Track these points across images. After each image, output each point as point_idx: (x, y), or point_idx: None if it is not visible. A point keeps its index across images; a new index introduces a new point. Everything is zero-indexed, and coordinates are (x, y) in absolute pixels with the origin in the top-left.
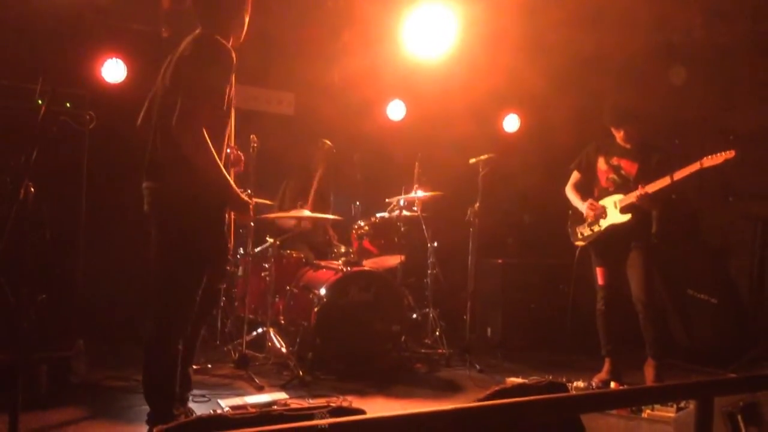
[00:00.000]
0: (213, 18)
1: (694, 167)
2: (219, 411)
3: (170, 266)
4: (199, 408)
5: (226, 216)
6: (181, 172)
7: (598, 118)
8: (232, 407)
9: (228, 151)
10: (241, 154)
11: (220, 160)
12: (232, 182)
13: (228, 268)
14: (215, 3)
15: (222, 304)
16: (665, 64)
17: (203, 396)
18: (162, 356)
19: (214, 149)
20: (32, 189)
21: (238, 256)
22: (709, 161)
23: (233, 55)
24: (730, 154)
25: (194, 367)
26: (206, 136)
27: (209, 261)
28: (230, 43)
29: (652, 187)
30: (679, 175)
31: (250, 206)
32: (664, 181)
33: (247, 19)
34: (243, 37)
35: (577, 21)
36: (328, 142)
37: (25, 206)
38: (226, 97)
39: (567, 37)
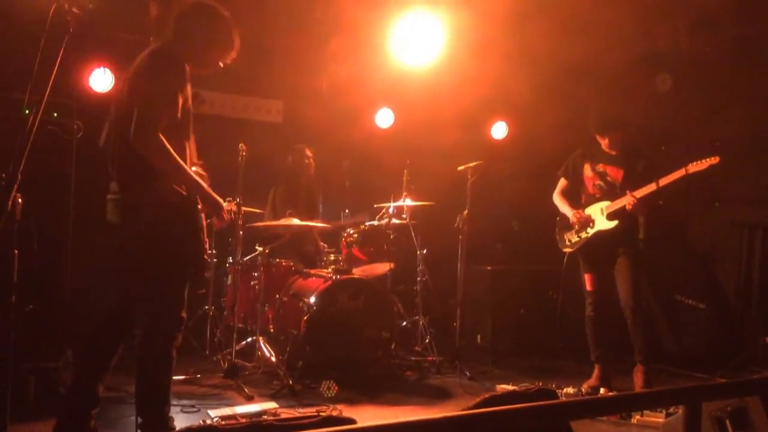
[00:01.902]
0: (187, 44)
1: (680, 173)
2: (208, 422)
3: (155, 274)
4: (188, 419)
5: (202, 217)
6: (148, 180)
7: (585, 125)
8: (222, 418)
9: (193, 169)
10: (205, 174)
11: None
12: (201, 182)
13: (206, 273)
14: (193, 35)
15: (211, 313)
16: (651, 73)
17: (192, 406)
18: (156, 364)
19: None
20: (20, 200)
21: (227, 264)
22: (694, 167)
23: (186, 66)
24: (714, 159)
25: (183, 377)
26: (165, 141)
27: (190, 264)
28: (211, 64)
29: (638, 193)
30: (664, 181)
31: (222, 206)
32: (650, 187)
33: (233, 47)
34: (232, 57)
35: (563, 30)
36: (306, 149)
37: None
38: (180, 104)
39: (554, 46)
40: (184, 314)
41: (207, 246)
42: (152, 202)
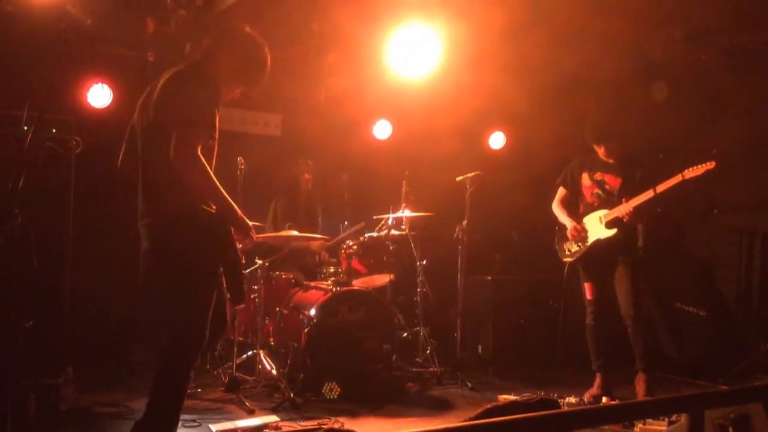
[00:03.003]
0: (220, 66)
1: (676, 179)
2: None
3: (181, 290)
4: None
5: (232, 233)
6: (178, 203)
7: (582, 134)
8: None
9: None
10: None
11: None
12: (234, 205)
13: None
14: (226, 58)
15: None
16: (647, 81)
17: (194, 421)
18: (175, 384)
19: None
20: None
21: None
22: (690, 173)
23: (219, 87)
24: (710, 165)
25: None
26: (204, 162)
27: (217, 280)
28: (234, 91)
29: (635, 201)
30: (661, 187)
31: (251, 229)
32: (647, 194)
33: (265, 72)
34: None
35: (559, 41)
36: (305, 163)
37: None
38: (216, 124)
39: (550, 57)
40: (206, 332)
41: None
42: (182, 226)
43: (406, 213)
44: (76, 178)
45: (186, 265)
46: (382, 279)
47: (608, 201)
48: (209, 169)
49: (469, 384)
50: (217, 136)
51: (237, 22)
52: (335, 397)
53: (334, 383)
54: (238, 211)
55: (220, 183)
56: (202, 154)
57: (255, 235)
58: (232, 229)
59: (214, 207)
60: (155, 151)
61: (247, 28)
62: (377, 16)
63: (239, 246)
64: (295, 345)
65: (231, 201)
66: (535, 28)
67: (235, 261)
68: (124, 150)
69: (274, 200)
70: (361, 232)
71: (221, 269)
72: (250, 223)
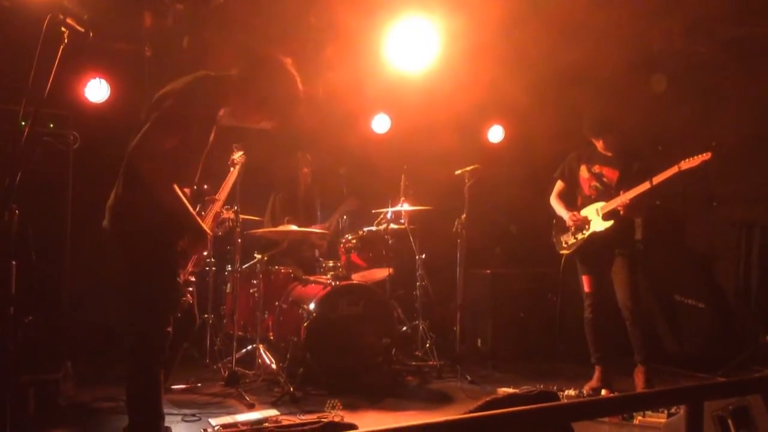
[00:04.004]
0: (246, 93)
1: (673, 170)
2: (210, 430)
3: (131, 283)
4: (189, 428)
5: (178, 242)
6: (140, 191)
7: (581, 127)
8: (223, 426)
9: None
10: (229, 214)
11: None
12: (191, 210)
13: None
14: (255, 88)
15: (210, 321)
16: (646, 74)
17: (193, 415)
18: (144, 380)
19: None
20: (17, 212)
21: (226, 272)
22: (686, 164)
23: (224, 102)
24: (706, 156)
25: (184, 386)
26: (161, 167)
27: (170, 269)
28: (259, 120)
29: (632, 192)
30: (658, 179)
31: (206, 237)
32: (644, 186)
33: (293, 111)
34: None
35: (558, 33)
36: (304, 158)
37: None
38: (201, 138)
39: (548, 50)
40: (169, 329)
41: (184, 270)
42: (138, 212)
43: (405, 207)
44: (74, 173)
45: (132, 255)
46: (382, 273)
47: (606, 193)
48: (163, 174)
49: (468, 377)
50: (199, 153)
51: (274, 51)
52: (338, 412)
53: (336, 400)
54: (193, 214)
55: (220, 177)
56: (176, 153)
57: (207, 244)
58: (178, 239)
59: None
60: (132, 139)
61: (287, 60)
62: (375, 10)
63: (194, 255)
64: (295, 339)
65: (188, 207)
66: (533, 21)
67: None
68: None
69: (273, 194)
70: (354, 213)
71: (174, 256)
72: (208, 232)
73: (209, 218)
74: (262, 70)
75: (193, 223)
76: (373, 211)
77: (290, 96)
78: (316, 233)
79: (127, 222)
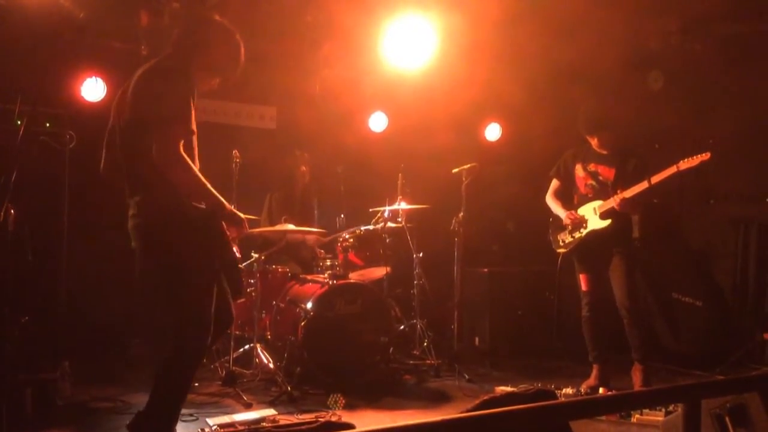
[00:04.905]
0: (190, 57)
1: (671, 170)
2: (207, 430)
3: (178, 283)
4: (186, 427)
5: (224, 228)
6: (167, 199)
7: (577, 125)
8: (221, 426)
9: None
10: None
11: None
12: (222, 199)
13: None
14: (196, 48)
15: None
16: (643, 72)
17: (191, 415)
18: (179, 378)
19: None
20: (12, 211)
21: None
22: (685, 164)
23: (191, 76)
24: (705, 156)
25: None
26: (186, 157)
27: (216, 272)
28: (210, 81)
29: (630, 192)
30: (656, 178)
31: (244, 221)
32: (642, 185)
33: (238, 60)
34: (237, 72)
35: (554, 31)
36: (302, 156)
37: (6, 228)
38: (193, 117)
39: (545, 47)
40: (210, 327)
41: (239, 255)
42: (173, 223)
43: (402, 205)
44: (70, 172)
45: (180, 262)
46: (379, 272)
47: (602, 192)
48: (193, 166)
49: (466, 376)
50: (195, 129)
51: (205, 11)
52: (340, 408)
53: (339, 396)
54: (227, 205)
55: (215, 177)
56: (183, 150)
57: (247, 227)
58: (224, 224)
59: (203, 204)
60: (137, 150)
61: (217, 16)
62: (372, 8)
63: (233, 236)
64: (292, 338)
65: (219, 196)
66: (530, 19)
67: (231, 258)
68: (105, 156)
69: (270, 193)
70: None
71: (218, 264)
72: (242, 216)
73: None
74: (195, 30)
75: (230, 213)
76: (371, 210)
77: (229, 46)
78: (314, 233)
79: (166, 232)
